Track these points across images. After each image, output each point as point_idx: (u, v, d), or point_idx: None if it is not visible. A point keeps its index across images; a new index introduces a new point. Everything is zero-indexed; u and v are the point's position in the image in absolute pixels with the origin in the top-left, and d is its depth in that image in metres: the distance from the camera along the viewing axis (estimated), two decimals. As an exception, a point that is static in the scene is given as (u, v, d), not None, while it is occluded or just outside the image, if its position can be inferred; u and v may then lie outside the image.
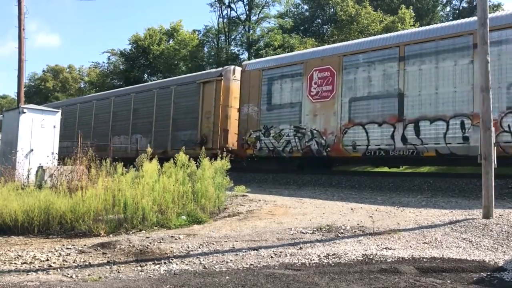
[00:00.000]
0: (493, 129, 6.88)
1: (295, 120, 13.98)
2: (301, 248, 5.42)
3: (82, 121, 22.66)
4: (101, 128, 21.35)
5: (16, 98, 21.57)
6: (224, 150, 14.15)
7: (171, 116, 17.67)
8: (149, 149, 8.70)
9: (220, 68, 17.32)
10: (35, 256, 5.35)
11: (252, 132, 15.06)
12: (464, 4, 33.66)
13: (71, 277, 4.47)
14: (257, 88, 15.10)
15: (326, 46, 15.67)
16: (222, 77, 16.13)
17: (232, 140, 15.87)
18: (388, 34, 13.70)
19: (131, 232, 6.74)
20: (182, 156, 8.59)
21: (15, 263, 5.08)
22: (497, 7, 29.24)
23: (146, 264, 4.86)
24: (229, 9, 38.49)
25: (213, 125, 16.00)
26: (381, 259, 4.80)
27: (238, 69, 16.29)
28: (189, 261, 4.94)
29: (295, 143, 13.86)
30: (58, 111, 13.89)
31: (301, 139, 13.75)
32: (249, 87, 15.32)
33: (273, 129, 14.50)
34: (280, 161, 15.12)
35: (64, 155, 10.99)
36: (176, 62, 38.53)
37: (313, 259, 4.85)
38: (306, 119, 13.71)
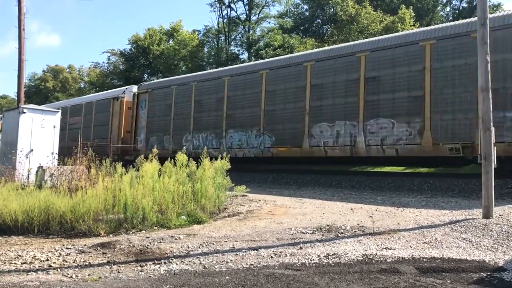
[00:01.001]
0: (493, 129, 6.87)
1: None
2: (301, 248, 5.42)
3: (231, 102, 15.56)
4: (283, 111, 14.21)
5: (16, 98, 21.57)
6: None
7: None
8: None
9: None
10: (35, 256, 5.35)
11: None
12: (464, 4, 33.69)
13: (71, 277, 4.47)
14: None
15: None
16: None
17: None
18: None
19: (131, 232, 6.74)
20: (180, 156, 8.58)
21: (15, 263, 5.08)
22: (497, 7, 29.24)
23: (146, 264, 4.86)
24: (229, 9, 38.61)
25: None
26: (381, 259, 4.80)
27: None
28: (189, 261, 4.94)
29: None
30: (58, 111, 13.83)
31: None
32: None
33: None
34: None
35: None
36: (176, 62, 38.56)
37: (313, 259, 4.85)
38: None
